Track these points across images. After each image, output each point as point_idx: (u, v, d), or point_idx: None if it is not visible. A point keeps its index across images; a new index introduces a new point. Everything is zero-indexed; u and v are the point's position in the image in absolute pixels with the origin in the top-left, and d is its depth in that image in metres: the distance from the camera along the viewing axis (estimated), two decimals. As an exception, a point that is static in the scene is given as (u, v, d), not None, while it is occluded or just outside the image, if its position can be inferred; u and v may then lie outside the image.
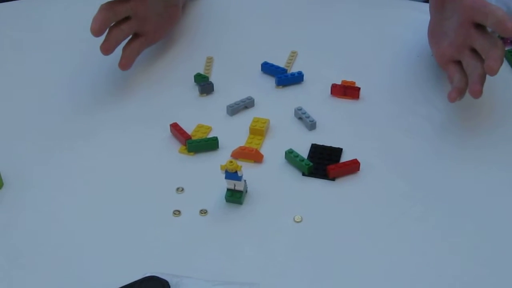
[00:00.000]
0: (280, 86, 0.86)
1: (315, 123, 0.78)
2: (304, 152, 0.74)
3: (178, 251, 0.63)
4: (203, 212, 0.67)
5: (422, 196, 0.69)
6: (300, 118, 0.80)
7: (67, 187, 0.71)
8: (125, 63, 0.84)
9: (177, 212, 0.67)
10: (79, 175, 0.73)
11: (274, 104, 0.83)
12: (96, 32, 0.78)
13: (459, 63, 0.78)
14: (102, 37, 0.80)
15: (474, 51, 0.75)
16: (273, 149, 0.75)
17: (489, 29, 0.74)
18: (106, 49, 0.81)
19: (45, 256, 0.63)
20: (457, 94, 0.74)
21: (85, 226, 0.66)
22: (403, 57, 0.92)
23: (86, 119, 0.81)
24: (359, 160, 0.72)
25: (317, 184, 0.71)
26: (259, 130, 0.77)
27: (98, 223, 0.66)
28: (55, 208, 0.68)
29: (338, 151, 0.75)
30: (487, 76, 0.72)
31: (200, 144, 0.75)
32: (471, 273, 0.61)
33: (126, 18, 0.84)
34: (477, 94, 0.72)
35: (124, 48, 0.85)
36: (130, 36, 0.86)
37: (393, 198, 0.69)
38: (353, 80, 0.85)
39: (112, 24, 0.82)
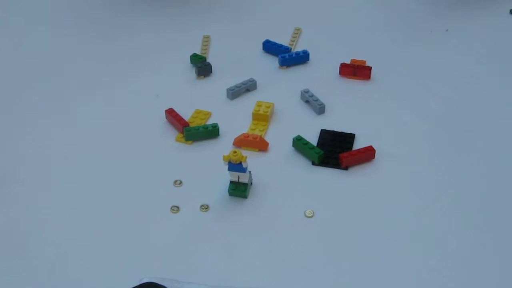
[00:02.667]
0: (284, 67, 0.82)
1: (323, 106, 0.74)
2: (313, 138, 0.70)
3: (177, 251, 0.59)
4: (204, 207, 0.63)
5: (443, 186, 0.65)
6: (307, 101, 0.75)
7: (54, 182, 0.66)
8: None
9: (175, 208, 0.63)
10: (66, 168, 0.68)
11: (278, 86, 0.79)
12: None
13: None
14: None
15: None
16: (279, 136, 0.71)
17: None
18: None
19: (27, 262, 0.58)
20: None
21: (73, 226, 0.61)
22: (415, 33, 0.88)
23: (73, 106, 0.76)
24: (374, 147, 0.67)
25: (328, 174, 0.67)
26: (263, 115, 0.73)
27: (88, 223, 0.62)
28: (41, 206, 0.63)
29: (350, 137, 0.70)
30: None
31: (199, 132, 0.70)
32: (500, 267, 0.57)
33: None
34: None
35: None
36: None
37: (412, 188, 0.65)
38: (364, 59, 0.81)
39: None
